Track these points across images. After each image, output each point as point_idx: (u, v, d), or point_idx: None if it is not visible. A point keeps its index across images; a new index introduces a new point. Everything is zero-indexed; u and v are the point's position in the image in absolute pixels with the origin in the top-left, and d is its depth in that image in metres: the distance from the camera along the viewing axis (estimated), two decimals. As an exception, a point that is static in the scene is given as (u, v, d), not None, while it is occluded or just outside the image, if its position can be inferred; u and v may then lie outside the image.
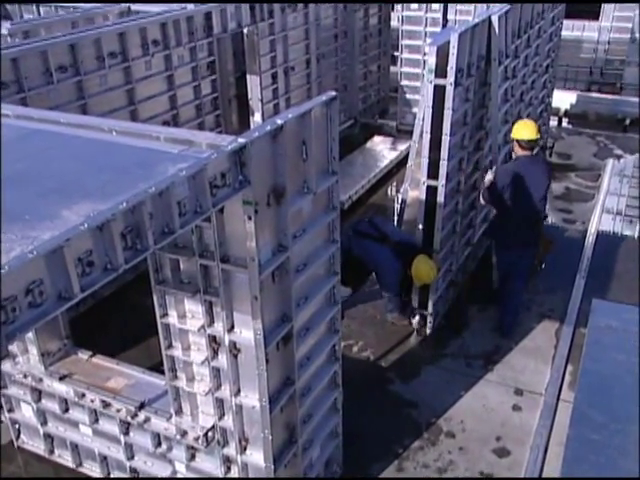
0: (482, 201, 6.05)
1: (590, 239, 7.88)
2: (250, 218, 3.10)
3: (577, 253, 7.57)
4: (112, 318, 6.50)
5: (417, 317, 6.27)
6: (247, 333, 3.48)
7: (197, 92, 7.74)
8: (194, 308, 3.67)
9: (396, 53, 11.19)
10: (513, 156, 6.06)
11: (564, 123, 12.15)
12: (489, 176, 5.95)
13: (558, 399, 5.41)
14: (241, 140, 2.90)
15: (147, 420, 4.14)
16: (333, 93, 3.55)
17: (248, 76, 8.83)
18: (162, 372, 4.08)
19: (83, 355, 4.61)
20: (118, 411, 4.22)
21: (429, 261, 5.79)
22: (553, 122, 11.43)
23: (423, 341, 6.22)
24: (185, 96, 7.56)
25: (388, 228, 6.15)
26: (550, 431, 5.09)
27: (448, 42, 5.16)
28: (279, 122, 3.12)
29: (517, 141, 5.79)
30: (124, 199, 2.32)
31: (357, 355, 6.03)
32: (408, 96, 10.94)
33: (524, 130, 5.76)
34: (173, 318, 3.74)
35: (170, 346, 3.86)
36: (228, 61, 9.80)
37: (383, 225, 6.16)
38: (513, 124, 6.09)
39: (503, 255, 6.13)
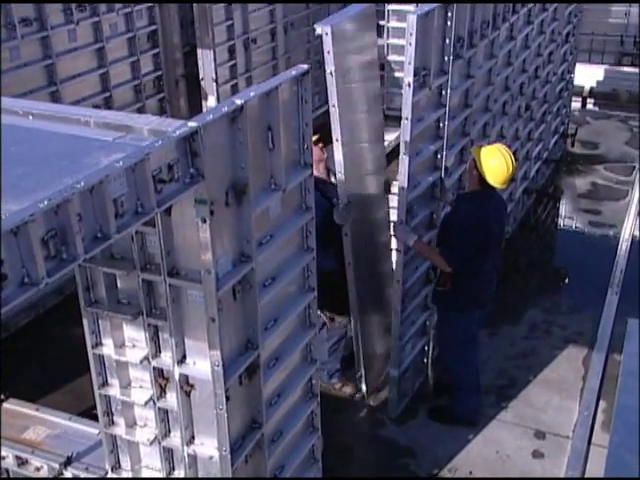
0: (448, 269, 5.22)
1: (623, 246, 8.04)
2: (205, 221, 3.11)
3: (608, 263, 7.71)
4: (30, 353, 6.45)
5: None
6: (202, 365, 3.47)
7: (135, 70, 7.78)
8: (135, 335, 3.66)
9: (382, 22, 11.31)
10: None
11: (589, 105, 12.39)
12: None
13: (589, 443, 5.49)
14: (192, 124, 2.92)
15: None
16: (305, 66, 3.60)
17: (199, 51, 8.86)
18: (95, 418, 4.05)
19: (-7, 400, 4.56)
20: (38, 469, 4.16)
21: None
22: (576, 104, 11.66)
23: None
24: (120, 75, 7.60)
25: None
26: (580, 483, 5.18)
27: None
28: (238, 102, 3.15)
29: (483, 178, 5.16)
30: (45, 196, 2.32)
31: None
32: (397, 74, 11.02)
33: (500, 173, 5.12)
34: (109, 348, 3.71)
35: (105, 384, 3.82)
36: (174, 32, 9.84)
37: None
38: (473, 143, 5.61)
39: (466, 319, 5.56)
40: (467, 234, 5.15)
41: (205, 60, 8.84)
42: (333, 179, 5.80)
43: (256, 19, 9.41)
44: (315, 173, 5.59)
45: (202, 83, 8.96)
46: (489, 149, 5.24)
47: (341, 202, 5.30)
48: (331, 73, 4.88)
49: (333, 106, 4.98)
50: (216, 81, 8.85)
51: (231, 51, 9.07)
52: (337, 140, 5.09)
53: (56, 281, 7.21)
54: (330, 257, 5.61)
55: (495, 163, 5.12)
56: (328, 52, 4.84)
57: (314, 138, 5.62)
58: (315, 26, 4.94)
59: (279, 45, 9.96)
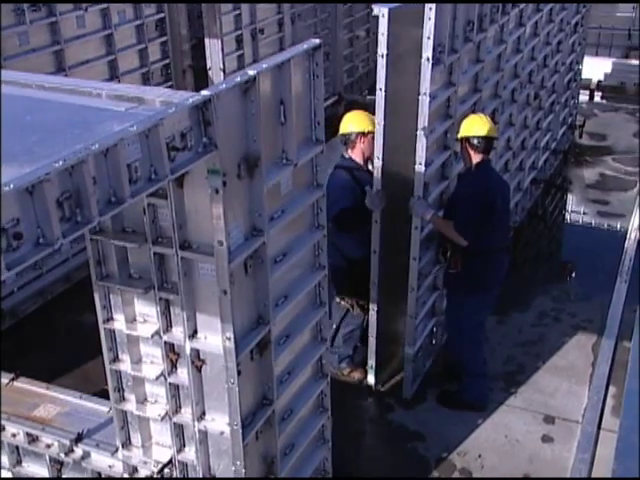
0: (464, 242, 5.27)
1: (632, 235, 8.06)
2: (217, 192, 3.11)
3: (616, 252, 7.72)
4: (38, 339, 6.45)
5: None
6: (214, 339, 3.47)
7: (143, 57, 7.81)
8: (146, 310, 3.65)
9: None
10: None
11: (597, 97, 12.40)
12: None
13: (599, 428, 5.48)
14: (205, 93, 2.92)
15: (86, 456, 4.09)
16: (317, 41, 3.58)
17: (207, 40, 8.87)
18: (105, 397, 4.05)
19: (2, 379, 4.55)
20: (48, 447, 4.16)
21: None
22: (583, 96, 11.66)
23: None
24: (128, 62, 7.62)
25: None
26: (590, 467, 5.14)
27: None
28: (251, 73, 3.14)
29: (472, 141, 5.26)
30: (60, 157, 2.32)
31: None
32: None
33: (477, 122, 5.32)
34: (120, 323, 3.71)
35: (116, 359, 3.82)
36: (181, 23, 9.84)
37: None
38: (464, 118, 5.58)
39: (481, 300, 5.60)
40: (472, 202, 5.23)
41: (212, 50, 8.85)
42: (370, 167, 5.80)
43: (263, 10, 9.42)
44: (359, 160, 5.65)
45: (209, 73, 8.96)
46: (462, 123, 5.41)
47: (374, 188, 5.29)
48: (382, 55, 4.83)
49: (380, 89, 4.92)
50: (223, 71, 8.85)
51: (238, 41, 9.08)
52: (379, 124, 5.05)
53: (63, 269, 7.17)
54: (356, 243, 5.63)
55: (469, 120, 5.34)
56: (382, 34, 4.78)
57: (370, 128, 5.63)
58: (373, 6, 4.85)
59: (286, 36, 9.96)
